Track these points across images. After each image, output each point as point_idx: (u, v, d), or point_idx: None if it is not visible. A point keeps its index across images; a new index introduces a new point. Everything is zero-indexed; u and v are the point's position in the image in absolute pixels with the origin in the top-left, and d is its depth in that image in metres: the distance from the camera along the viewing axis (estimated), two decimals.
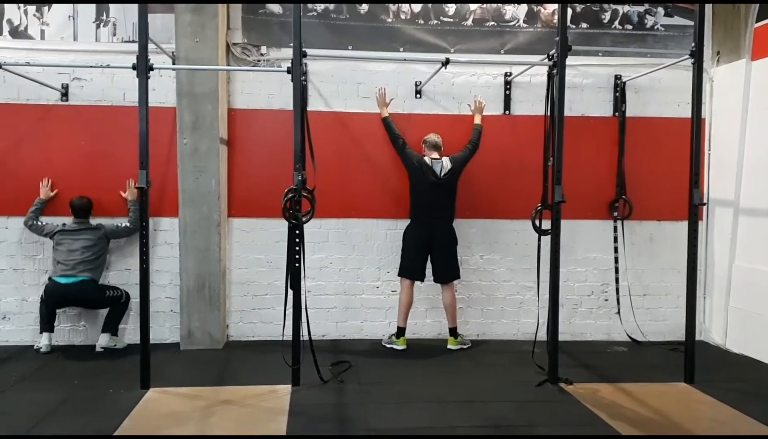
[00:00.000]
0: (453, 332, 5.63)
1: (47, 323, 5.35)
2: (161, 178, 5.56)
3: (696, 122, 4.65)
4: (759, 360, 5.35)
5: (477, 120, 5.72)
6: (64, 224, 5.46)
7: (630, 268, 6.03)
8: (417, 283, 5.63)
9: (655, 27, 6.06)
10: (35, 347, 5.36)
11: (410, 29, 5.88)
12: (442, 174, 5.45)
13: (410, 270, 5.57)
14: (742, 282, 5.65)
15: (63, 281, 5.26)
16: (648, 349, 5.76)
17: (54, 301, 5.32)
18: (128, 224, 5.52)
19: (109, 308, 5.46)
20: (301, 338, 4.49)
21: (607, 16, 6.02)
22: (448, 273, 5.59)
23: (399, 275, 5.66)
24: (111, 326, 5.45)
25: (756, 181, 5.57)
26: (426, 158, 5.49)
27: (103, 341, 5.40)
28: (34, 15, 5.62)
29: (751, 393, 4.54)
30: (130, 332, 5.65)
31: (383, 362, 5.27)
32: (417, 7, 5.88)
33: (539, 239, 5.09)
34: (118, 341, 5.51)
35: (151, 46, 4.48)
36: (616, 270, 6.03)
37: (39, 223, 5.46)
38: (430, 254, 5.56)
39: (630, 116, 5.98)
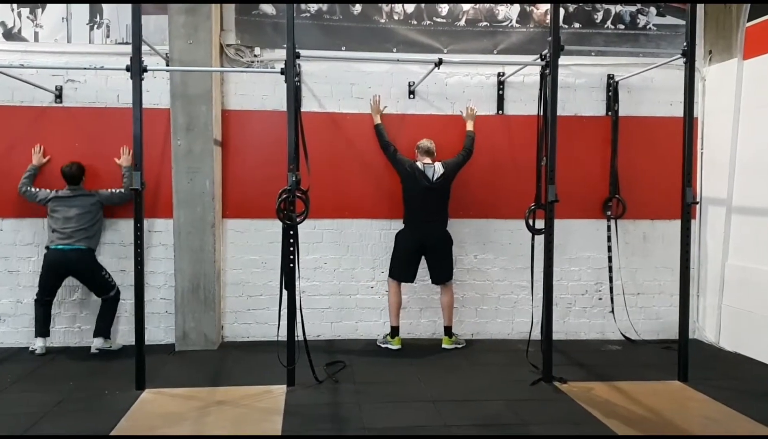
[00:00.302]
0: (448, 331, 5.64)
1: (43, 326, 5.35)
2: (155, 180, 5.57)
3: (688, 121, 4.67)
4: (752, 358, 5.38)
5: (469, 127, 5.71)
6: (57, 191, 5.43)
7: (623, 267, 6.06)
8: (412, 284, 5.67)
9: (648, 27, 6.08)
10: (30, 349, 5.37)
11: (403, 30, 5.89)
12: (435, 178, 5.45)
13: (399, 272, 5.60)
14: (735, 280, 5.68)
15: (61, 247, 5.26)
16: (642, 347, 5.79)
17: (53, 270, 5.30)
18: (122, 190, 5.51)
19: (101, 304, 5.44)
20: (296, 339, 4.50)
21: (599, 16, 6.05)
22: (445, 274, 5.61)
23: (388, 277, 5.68)
24: (103, 330, 5.43)
25: (748, 180, 5.60)
26: (418, 163, 5.50)
27: (97, 343, 5.40)
28: (28, 17, 5.62)
29: (744, 391, 4.57)
30: (125, 334, 5.65)
31: (378, 361, 5.28)
32: (410, 8, 5.89)
33: (533, 239, 5.09)
34: (112, 342, 5.51)
35: (144, 48, 4.49)
36: (610, 269, 6.05)
37: (32, 189, 5.44)
38: (424, 257, 5.58)
39: (623, 116, 6.00)
